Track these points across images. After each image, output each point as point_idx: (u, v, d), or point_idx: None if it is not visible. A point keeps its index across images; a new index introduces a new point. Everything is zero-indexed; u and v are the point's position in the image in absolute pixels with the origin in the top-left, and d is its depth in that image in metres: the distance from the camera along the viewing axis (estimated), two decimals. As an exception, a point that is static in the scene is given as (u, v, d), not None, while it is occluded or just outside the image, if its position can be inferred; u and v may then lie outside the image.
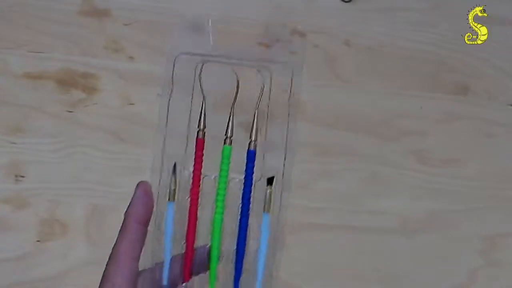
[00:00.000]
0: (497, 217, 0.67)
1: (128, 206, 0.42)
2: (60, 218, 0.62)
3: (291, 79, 0.42)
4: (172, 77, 0.42)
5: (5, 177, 0.62)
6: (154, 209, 0.41)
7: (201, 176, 0.43)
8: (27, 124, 0.63)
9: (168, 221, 0.42)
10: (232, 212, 0.43)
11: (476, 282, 0.66)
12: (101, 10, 0.67)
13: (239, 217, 0.43)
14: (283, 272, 0.42)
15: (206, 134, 0.42)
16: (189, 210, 0.43)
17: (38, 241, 0.61)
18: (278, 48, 0.43)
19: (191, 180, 0.43)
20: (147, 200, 0.42)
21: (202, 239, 0.43)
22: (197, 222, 0.43)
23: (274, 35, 0.44)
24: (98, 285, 0.40)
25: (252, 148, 0.42)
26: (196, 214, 0.43)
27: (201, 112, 0.42)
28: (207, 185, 0.43)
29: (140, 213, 0.41)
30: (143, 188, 0.42)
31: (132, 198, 0.42)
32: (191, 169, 0.43)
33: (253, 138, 0.42)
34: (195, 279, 0.43)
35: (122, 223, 0.42)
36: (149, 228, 0.41)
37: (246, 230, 0.43)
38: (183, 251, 0.43)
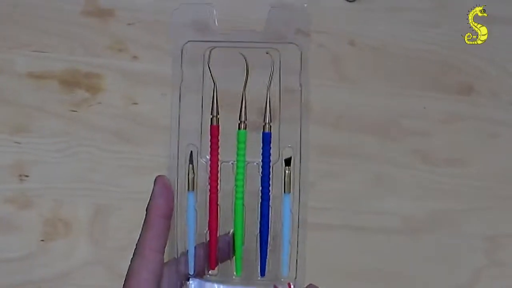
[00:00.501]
0: (501, 217, 0.67)
1: (149, 201, 0.41)
2: (64, 218, 0.62)
3: (300, 56, 0.42)
4: (181, 65, 0.42)
5: (9, 177, 0.62)
6: (175, 201, 0.41)
7: (219, 163, 0.42)
8: (31, 124, 0.63)
9: (190, 211, 0.42)
10: (253, 196, 0.42)
11: (479, 282, 0.66)
12: (105, 10, 0.67)
13: (260, 201, 0.42)
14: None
15: (219, 120, 0.41)
16: (210, 197, 0.42)
17: (42, 240, 0.61)
18: (285, 29, 0.43)
19: (208, 168, 0.42)
20: (167, 193, 0.41)
21: (225, 226, 0.42)
22: (219, 209, 0.42)
23: (277, 33, 0.44)
24: (123, 283, 0.40)
25: (267, 130, 0.42)
26: (217, 201, 0.42)
27: (213, 98, 0.42)
28: (226, 171, 0.42)
29: (162, 207, 0.41)
30: (162, 182, 0.42)
31: (152, 193, 0.42)
32: (208, 157, 0.42)
33: (267, 121, 0.42)
34: (221, 266, 0.43)
35: (145, 218, 0.41)
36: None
37: (268, 213, 0.42)
38: (207, 240, 0.43)
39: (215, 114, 0.42)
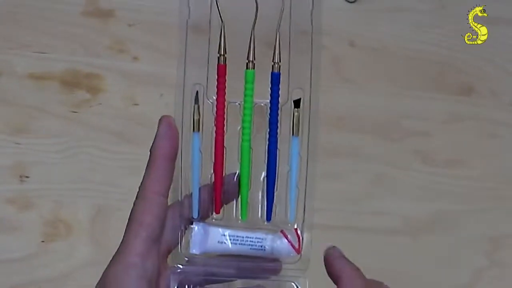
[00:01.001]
0: (502, 218, 0.67)
1: (153, 142, 0.39)
2: (65, 219, 0.62)
3: None
4: (188, 2, 0.40)
5: (9, 178, 0.62)
6: (180, 144, 0.39)
7: (225, 104, 0.40)
8: (32, 125, 0.63)
9: (195, 152, 0.40)
10: (260, 137, 0.40)
11: (480, 282, 0.66)
12: (105, 10, 0.67)
13: (267, 143, 0.40)
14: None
15: (227, 60, 0.39)
16: (215, 139, 0.40)
17: (42, 241, 0.61)
18: None
19: (215, 109, 0.40)
20: (171, 133, 0.39)
21: (230, 170, 0.40)
22: (225, 151, 0.40)
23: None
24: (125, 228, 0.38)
25: (276, 70, 0.40)
26: (223, 142, 0.40)
27: (220, 37, 0.40)
28: (232, 112, 0.41)
29: (166, 148, 0.39)
30: (167, 122, 0.39)
31: (156, 133, 0.39)
32: (214, 97, 0.40)
33: (276, 60, 0.40)
34: (226, 211, 0.41)
35: (148, 160, 0.39)
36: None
37: (275, 155, 0.40)
38: (211, 182, 0.41)
39: (222, 53, 0.39)
